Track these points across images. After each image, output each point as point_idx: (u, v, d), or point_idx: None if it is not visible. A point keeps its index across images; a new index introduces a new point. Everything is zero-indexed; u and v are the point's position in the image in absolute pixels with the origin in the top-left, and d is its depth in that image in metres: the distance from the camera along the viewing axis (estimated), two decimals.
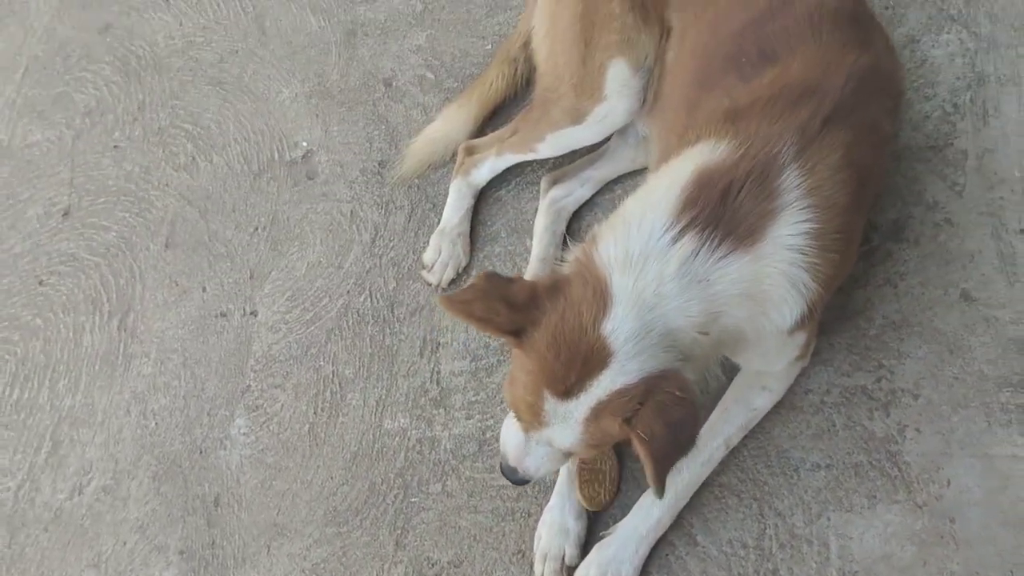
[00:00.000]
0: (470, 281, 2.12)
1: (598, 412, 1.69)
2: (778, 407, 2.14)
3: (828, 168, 1.80)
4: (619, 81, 2.34)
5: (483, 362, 2.47)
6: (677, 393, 1.64)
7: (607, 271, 1.71)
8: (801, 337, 1.96)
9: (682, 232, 1.72)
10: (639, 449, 1.64)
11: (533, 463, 1.90)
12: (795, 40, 2.02)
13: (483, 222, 2.64)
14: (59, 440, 2.82)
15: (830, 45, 1.99)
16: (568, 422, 1.72)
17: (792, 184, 1.77)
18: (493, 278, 1.78)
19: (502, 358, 2.46)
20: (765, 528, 2.07)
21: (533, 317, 1.72)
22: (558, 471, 2.20)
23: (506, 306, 1.73)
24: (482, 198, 2.67)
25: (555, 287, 1.74)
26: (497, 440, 2.33)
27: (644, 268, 1.70)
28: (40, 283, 3.10)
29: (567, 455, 1.88)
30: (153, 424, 2.75)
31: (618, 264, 1.71)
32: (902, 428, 2.05)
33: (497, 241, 2.60)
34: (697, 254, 1.71)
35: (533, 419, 1.76)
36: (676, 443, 1.65)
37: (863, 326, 2.16)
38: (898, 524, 1.98)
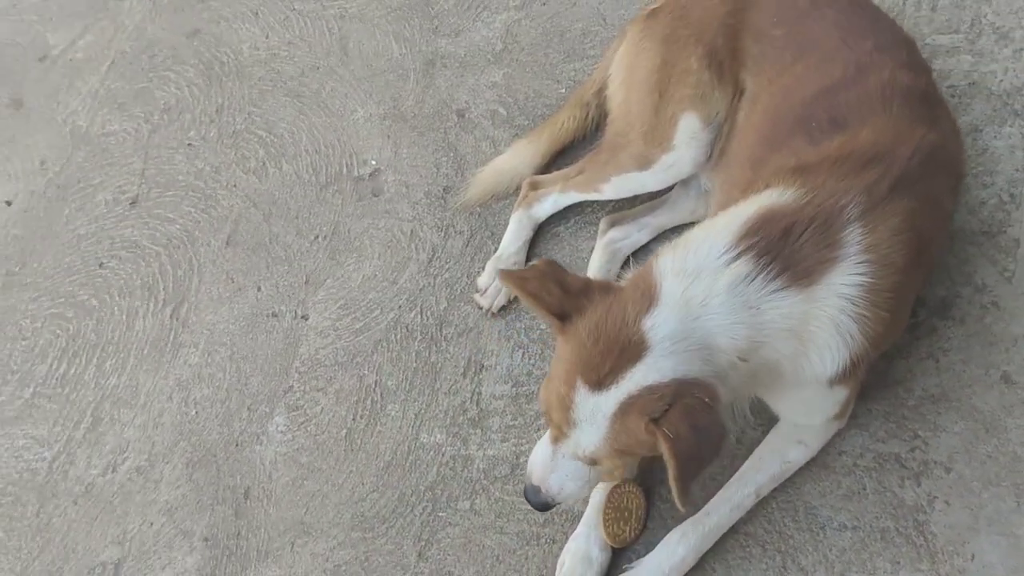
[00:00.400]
0: (531, 263, 2.23)
1: (626, 408, 1.74)
2: (811, 464, 2.18)
3: (889, 230, 1.87)
4: (689, 133, 2.43)
5: (524, 388, 2.53)
6: (706, 400, 1.70)
7: (660, 277, 1.80)
8: (841, 393, 2.01)
9: (739, 255, 1.80)
10: (664, 449, 1.68)
11: (557, 481, 1.94)
12: (866, 111, 2.10)
13: (539, 255, 2.72)
14: (99, 417, 2.90)
15: (900, 119, 2.06)
16: (596, 418, 1.77)
17: (854, 239, 1.84)
18: (553, 264, 1.89)
19: (535, 389, 2.51)
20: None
21: (581, 305, 1.82)
22: (585, 501, 2.24)
23: (559, 289, 1.83)
24: (540, 233, 2.75)
25: (608, 287, 1.85)
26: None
27: (696, 280, 1.79)
28: (100, 265, 3.20)
29: (590, 466, 1.90)
30: (193, 412, 2.82)
31: (671, 273, 1.80)
32: (932, 499, 2.09)
33: None
34: (752, 280, 1.78)
35: (563, 417, 1.82)
36: (700, 448, 1.70)
37: (902, 396, 2.20)
38: None
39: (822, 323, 1.82)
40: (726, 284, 1.78)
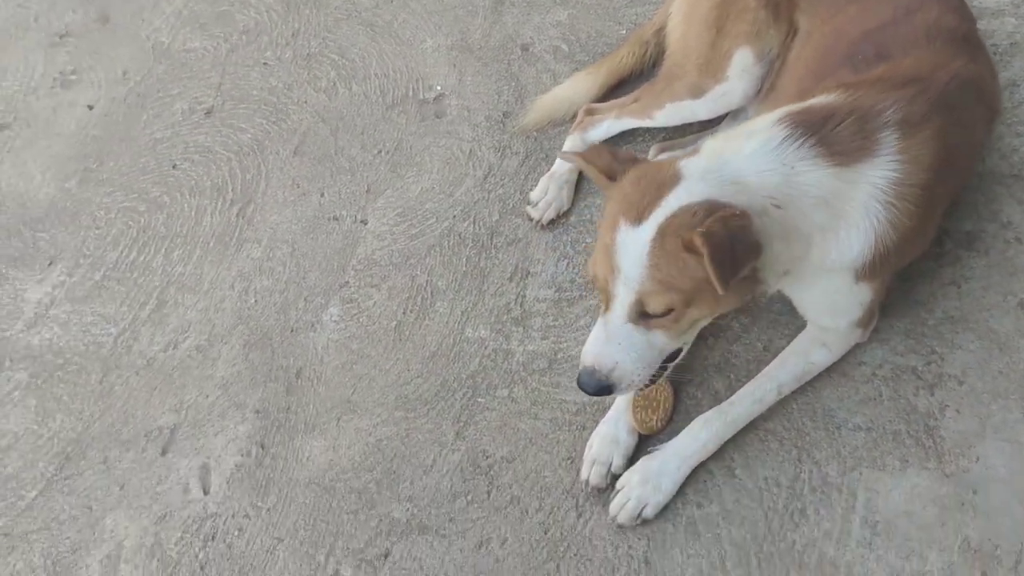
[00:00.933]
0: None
1: (664, 231, 1.92)
2: (831, 370, 2.33)
3: (922, 139, 2.04)
4: (742, 66, 2.59)
5: (567, 294, 2.70)
6: (738, 213, 1.88)
7: (705, 143, 2.05)
8: (866, 293, 2.16)
9: (779, 123, 2.01)
10: (700, 246, 1.84)
11: (610, 355, 2.04)
12: (910, 45, 2.26)
13: (589, 179, 2.88)
14: (164, 300, 3.09)
15: (941, 52, 2.22)
16: (638, 250, 1.94)
17: (889, 140, 2.02)
18: (607, 144, 2.16)
19: (583, 294, 2.68)
20: (800, 472, 2.25)
21: (628, 168, 2.04)
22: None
23: (610, 155, 2.07)
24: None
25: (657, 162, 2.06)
26: (567, 363, 2.57)
27: (735, 137, 2.04)
28: (174, 167, 3.40)
29: (644, 332, 2.04)
30: (253, 300, 3.00)
31: (715, 138, 2.07)
32: (943, 407, 2.23)
33: (598, 194, 2.83)
34: (788, 143, 1.98)
35: (607, 267, 1.99)
36: (734, 244, 1.85)
37: (923, 316, 2.35)
38: (924, 487, 2.15)
39: (853, 203, 2.00)
40: (762, 140, 2.00)
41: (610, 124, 2.85)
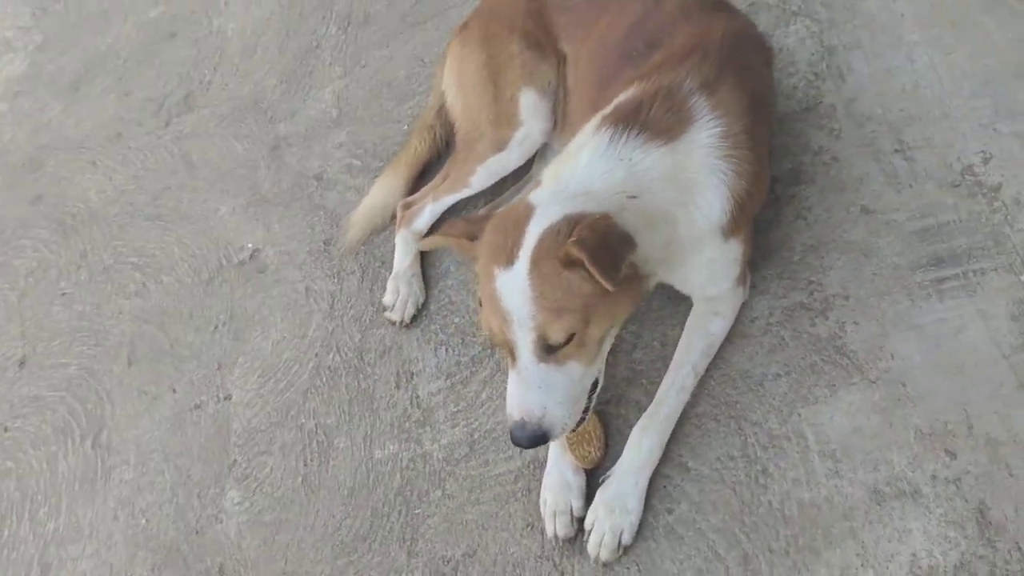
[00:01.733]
0: None
1: (537, 260, 1.93)
2: (731, 337, 2.38)
3: (726, 92, 2.16)
4: (530, 106, 2.68)
5: (457, 377, 2.65)
6: (598, 216, 1.93)
7: (541, 174, 2.12)
8: (736, 248, 2.23)
9: (600, 128, 2.08)
10: (577, 255, 1.85)
11: (535, 401, 1.99)
12: (672, 26, 2.41)
13: (432, 264, 2.88)
14: (48, 564, 2.84)
15: (701, 21, 2.38)
16: (520, 287, 1.94)
17: (700, 103, 2.12)
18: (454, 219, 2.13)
19: (474, 369, 2.64)
20: (746, 438, 2.26)
21: (483, 224, 2.06)
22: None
23: (463, 221, 2.12)
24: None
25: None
26: (486, 439, 2.51)
27: (568, 158, 2.09)
28: (5, 430, 3.17)
29: (558, 367, 2.00)
30: (144, 521, 2.79)
31: (548, 166, 2.13)
32: (841, 325, 2.31)
33: (448, 276, 2.83)
34: (616, 141, 2.06)
35: (499, 317, 1.97)
36: (607, 239, 1.89)
37: (786, 255, 2.44)
38: (859, 401, 2.20)
39: (696, 168, 2.08)
40: (592, 148, 2.07)
41: (431, 208, 2.86)
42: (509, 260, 1.97)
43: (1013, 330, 2.17)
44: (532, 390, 2.01)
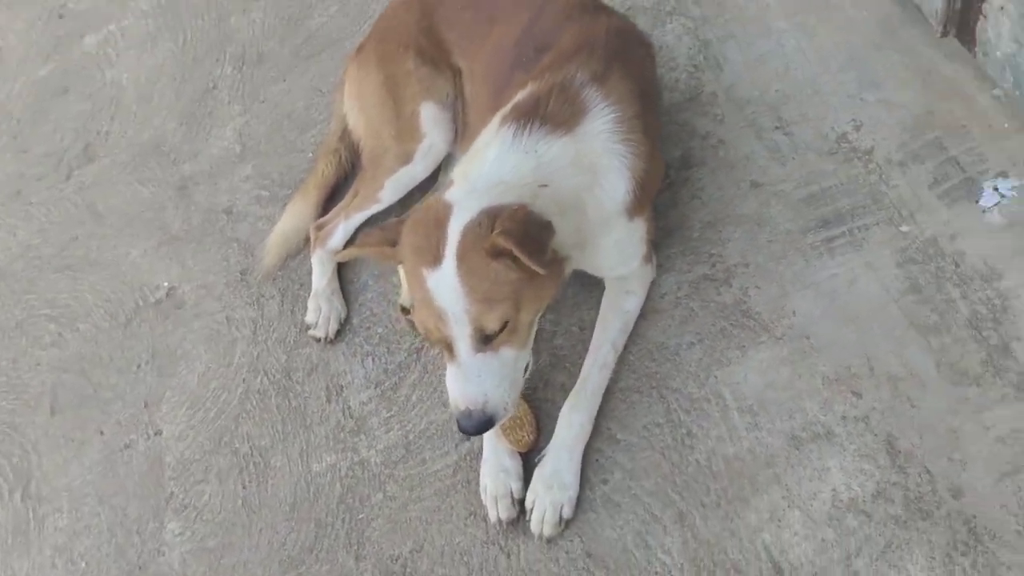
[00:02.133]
0: None
1: (463, 255, 2.02)
2: (645, 313, 2.51)
3: (616, 81, 2.31)
4: (431, 119, 2.80)
5: (386, 384, 2.72)
6: (516, 206, 2.04)
7: (453, 174, 2.20)
8: (641, 226, 2.37)
9: (503, 125, 2.20)
10: (501, 242, 1.96)
11: (477, 389, 2.07)
12: (558, 29, 2.55)
13: (350, 280, 2.95)
14: None
15: (585, 20, 2.54)
16: (451, 284, 2.02)
17: (592, 94, 2.26)
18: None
19: (402, 375, 2.72)
20: (669, 405, 2.38)
21: (399, 228, 2.14)
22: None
23: (378, 230, 2.21)
24: (342, 264, 2.99)
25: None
26: (422, 439, 2.58)
27: (474, 155, 2.20)
28: None
29: (494, 354, 2.09)
30: (83, 564, 2.77)
31: (458, 166, 2.22)
32: (745, 290, 2.46)
33: (367, 289, 2.91)
34: (520, 135, 2.17)
35: (433, 315, 2.05)
36: (528, 227, 2.00)
37: (687, 233, 2.60)
38: (769, 358, 2.35)
39: (597, 154, 2.21)
40: (498, 144, 2.17)
41: (344, 226, 2.94)
42: (436, 259, 2.05)
43: (899, 276, 2.36)
44: (473, 380, 2.10)
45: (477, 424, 2.09)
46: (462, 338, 2.06)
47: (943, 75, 2.62)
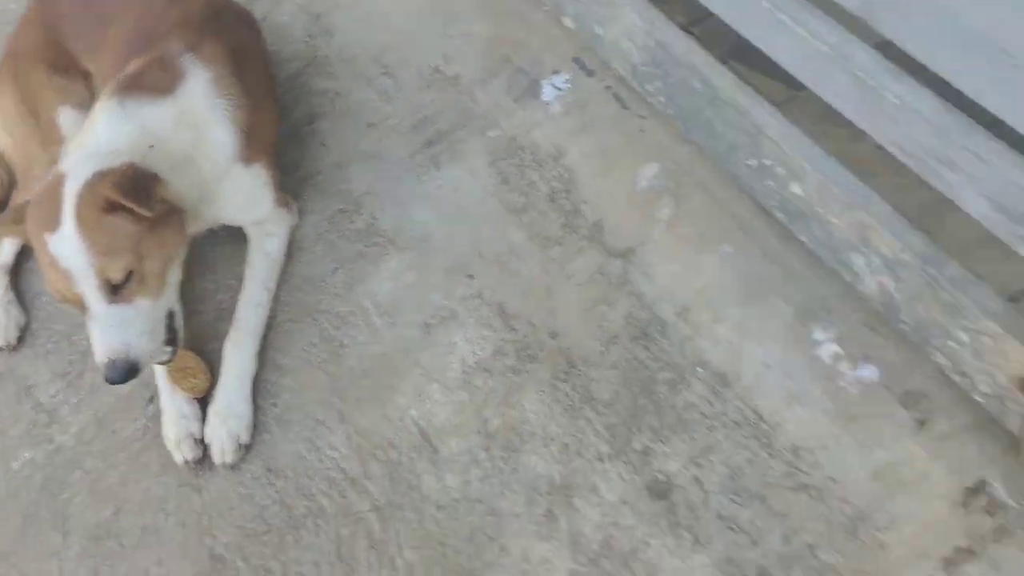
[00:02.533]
0: None
1: (80, 214, 2.22)
2: (292, 254, 2.75)
3: (208, 47, 2.59)
4: (71, 121, 2.96)
5: (72, 373, 2.85)
6: (124, 166, 2.28)
7: (65, 150, 2.41)
8: (260, 172, 2.64)
9: (109, 98, 2.43)
10: (112, 195, 2.19)
11: (117, 339, 2.25)
12: (164, 17, 2.77)
13: (24, 291, 3.07)
14: None
15: (184, 4, 2.79)
16: (68, 241, 2.22)
17: (189, 60, 2.53)
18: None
19: (86, 363, 2.86)
20: (321, 325, 2.65)
21: (24, 208, 2.34)
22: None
23: (8, 213, 2.47)
24: (19, 272, 3.10)
25: None
26: (110, 412, 2.75)
27: (85, 129, 2.44)
28: None
29: (127, 305, 2.28)
30: None
31: (70, 142, 2.45)
32: (373, 214, 2.78)
33: (43, 294, 2.98)
34: (123, 104, 2.41)
35: (62, 277, 2.24)
36: (136, 179, 2.25)
37: (320, 179, 2.88)
38: (397, 266, 2.67)
39: (200, 111, 2.49)
40: (106, 114, 2.40)
41: (9, 241, 3.05)
42: (56, 223, 2.25)
43: (492, 173, 2.73)
44: (110, 330, 2.28)
45: (121, 372, 2.25)
46: (91, 291, 2.25)
47: (507, 5, 3.04)
